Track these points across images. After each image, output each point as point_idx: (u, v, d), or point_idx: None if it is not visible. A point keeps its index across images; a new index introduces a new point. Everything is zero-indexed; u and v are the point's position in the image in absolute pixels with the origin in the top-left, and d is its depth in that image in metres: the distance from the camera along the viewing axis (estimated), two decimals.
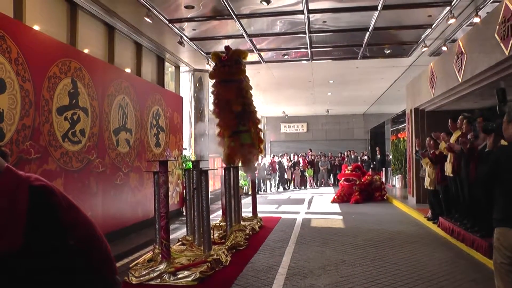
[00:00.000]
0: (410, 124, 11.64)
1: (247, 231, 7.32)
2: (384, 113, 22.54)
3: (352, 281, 4.80)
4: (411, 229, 8.07)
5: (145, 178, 8.27)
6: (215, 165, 13.93)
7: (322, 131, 25.53)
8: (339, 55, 11.33)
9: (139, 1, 7.18)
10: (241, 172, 9.38)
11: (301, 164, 19.63)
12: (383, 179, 16.64)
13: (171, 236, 6.09)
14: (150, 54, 10.03)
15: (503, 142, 3.28)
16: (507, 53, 5.45)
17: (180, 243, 6.40)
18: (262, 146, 8.85)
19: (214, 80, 8.04)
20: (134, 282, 4.75)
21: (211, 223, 6.28)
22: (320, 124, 25.45)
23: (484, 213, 5.76)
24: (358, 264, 5.52)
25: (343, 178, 13.64)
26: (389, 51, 10.78)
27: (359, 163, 16.94)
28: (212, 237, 6.28)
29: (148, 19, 7.65)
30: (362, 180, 13.21)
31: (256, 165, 9.54)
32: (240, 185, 9.34)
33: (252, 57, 10.69)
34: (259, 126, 8.78)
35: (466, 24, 8.55)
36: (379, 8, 7.64)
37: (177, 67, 11.71)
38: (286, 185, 19.15)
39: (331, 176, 20.74)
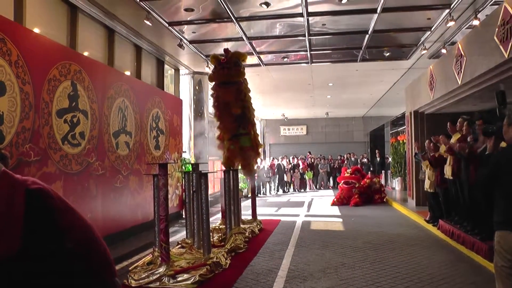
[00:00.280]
0: (409, 127, 11.64)
1: (247, 234, 7.31)
2: (383, 115, 22.55)
3: (352, 284, 4.79)
4: (411, 232, 8.06)
5: (144, 180, 8.26)
6: (215, 168, 13.92)
7: (322, 133, 25.53)
8: (339, 58, 11.34)
9: (139, 4, 7.19)
10: (240, 175, 9.37)
11: (301, 166, 19.62)
12: (383, 182, 16.64)
13: (171, 239, 6.07)
14: (149, 57, 10.04)
15: (502, 145, 3.28)
16: (506, 56, 5.46)
17: (179, 246, 6.39)
18: (259, 150, 8.85)
19: (214, 83, 8.05)
20: (133, 285, 4.74)
21: (210, 226, 6.27)
22: (320, 126, 25.46)
23: (484, 216, 5.76)
24: (358, 267, 5.50)
25: (342, 181, 13.63)
26: (388, 53, 10.79)
27: (358, 165, 16.94)
28: (211, 240, 6.27)
29: (148, 22, 7.67)
30: (362, 183, 13.21)
31: (255, 168, 9.53)
32: (239, 187, 9.34)
33: (251, 59, 10.70)
34: (255, 129, 8.78)
35: (465, 27, 8.57)
36: (378, 11, 7.65)
37: (177, 70, 11.73)
38: (285, 187, 19.13)
39: (331, 178, 20.73)
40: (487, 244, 5.47)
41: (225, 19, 8.17)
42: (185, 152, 11.18)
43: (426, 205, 9.48)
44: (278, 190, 18.82)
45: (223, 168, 8.02)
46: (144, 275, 4.88)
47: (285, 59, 11.37)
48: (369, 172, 14.96)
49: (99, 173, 6.68)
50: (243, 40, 9.38)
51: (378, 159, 19.57)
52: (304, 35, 9.19)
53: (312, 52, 10.55)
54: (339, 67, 12.18)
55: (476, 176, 5.71)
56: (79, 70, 6.23)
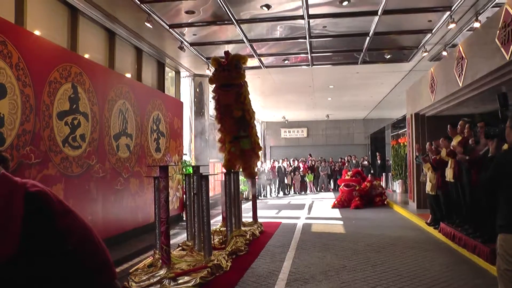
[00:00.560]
0: (410, 129, 11.63)
1: (248, 236, 7.30)
2: (384, 118, 22.56)
3: (354, 287, 4.77)
4: (412, 234, 8.04)
5: (145, 183, 8.25)
6: (216, 170, 13.91)
7: (322, 136, 25.52)
8: (339, 60, 11.35)
9: (140, 7, 7.20)
10: (241, 177, 9.36)
11: (301, 169, 19.62)
12: (384, 184, 16.62)
13: (171, 241, 6.06)
14: (150, 59, 10.05)
15: (505, 147, 3.27)
16: (507, 58, 5.45)
17: (180, 248, 6.37)
18: (259, 153, 8.84)
19: (214, 86, 8.04)
20: None
21: (211, 228, 6.26)
22: (320, 129, 25.45)
23: (486, 219, 5.74)
24: (359, 270, 5.49)
25: (343, 184, 13.62)
26: (389, 56, 10.80)
27: (359, 168, 16.92)
28: (212, 242, 6.25)
29: (148, 24, 7.68)
30: (362, 186, 13.19)
31: (256, 170, 9.52)
32: (240, 190, 9.32)
33: (252, 62, 10.72)
34: (256, 131, 8.78)
35: (466, 29, 8.57)
36: (379, 13, 7.66)
37: (177, 72, 11.74)
38: (286, 190, 19.11)
39: (331, 181, 20.72)
40: (489, 247, 5.45)
41: (226, 22, 8.18)
42: (185, 154, 11.17)
43: (427, 207, 9.45)
44: (278, 193, 18.81)
45: (224, 170, 8.01)
46: (144, 278, 4.87)
47: (286, 62, 11.38)
48: (369, 175, 14.93)
49: (99, 175, 6.67)
50: (244, 42, 9.40)
51: (378, 161, 19.56)
52: (305, 38, 9.20)
53: (312, 55, 10.56)
54: (340, 69, 12.18)
55: (478, 179, 5.71)
56: (80, 73, 6.23)
